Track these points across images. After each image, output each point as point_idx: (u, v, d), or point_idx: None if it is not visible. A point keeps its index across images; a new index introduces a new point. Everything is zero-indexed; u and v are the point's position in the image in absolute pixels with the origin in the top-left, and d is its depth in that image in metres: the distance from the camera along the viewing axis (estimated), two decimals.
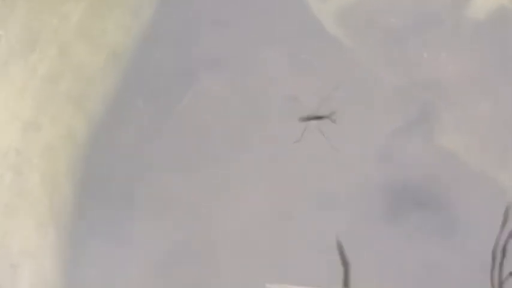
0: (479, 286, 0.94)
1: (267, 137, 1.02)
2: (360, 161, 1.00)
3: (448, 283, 0.95)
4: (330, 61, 1.02)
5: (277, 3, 1.05)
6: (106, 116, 1.03)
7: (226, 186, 1.02)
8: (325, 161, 1.00)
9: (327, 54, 1.02)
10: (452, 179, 0.97)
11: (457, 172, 0.97)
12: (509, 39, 1.01)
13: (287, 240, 1.00)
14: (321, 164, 1.00)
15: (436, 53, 1.02)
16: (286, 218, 1.00)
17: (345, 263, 0.96)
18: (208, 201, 1.01)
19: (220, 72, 1.04)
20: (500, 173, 0.97)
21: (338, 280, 0.97)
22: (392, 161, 0.99)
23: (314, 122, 1.01)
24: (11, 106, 1.00)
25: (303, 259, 0.98)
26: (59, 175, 1.01)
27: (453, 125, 1.00)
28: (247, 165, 1.02)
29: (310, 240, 0.98)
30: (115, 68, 1.05)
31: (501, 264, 0.92)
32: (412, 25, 1.03)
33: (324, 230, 0.98)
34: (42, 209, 1.00)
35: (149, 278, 0.99)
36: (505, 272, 0.93)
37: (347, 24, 1.04)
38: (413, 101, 1.01)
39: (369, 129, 1.00)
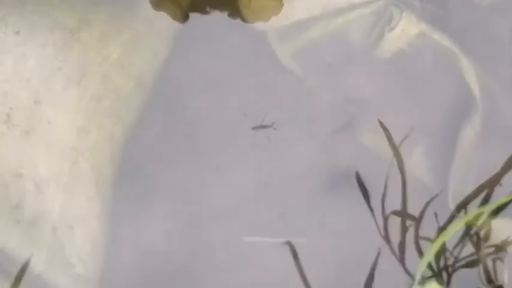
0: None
1: (248, 138, 1.16)
2: (307, 152, 1.15)
3: (368, 235, 1.11)
4: (285, 85, 1.16)
5: (247, 45, 1.18)
6: (135, 124, 1.16)
7: (219, 172, 1.15)
8: (284, 152, 1.15)
9: (285, 81, 1.16)
10: (369, 165, 1.13)
11: (373, 160, 1.14)
12: (407, 71, 1.17)
13: (257, 207, 1.13)
14: (282, 154, 1.15)
15: (357, 80, 1.16)
16: (261, 188, 1.14)
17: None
18: (206, 183, 1.15)
19: (213, 93, 1.18)
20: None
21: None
22: (329, 152, 1.15)
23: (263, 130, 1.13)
24: (68, 117, 1.11)
25: (269, 219, 1.13)
26: (103, 164, 1.13)
27: (370, 129, 1.15)
28: (229, 156, 1.16)
29: (272, 206, 1.13)
30: (141, 91, 1.17)
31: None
32: (341, 61, 1.17)
33: (285, 198, 1.13)
34: (91, 188, 1.12)
35: (165, 235, 1.13)
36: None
37: (298, 59, 1.16)
38: (343, 112, 1.16)
39: (313, 131, 1.15)
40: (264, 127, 1.13)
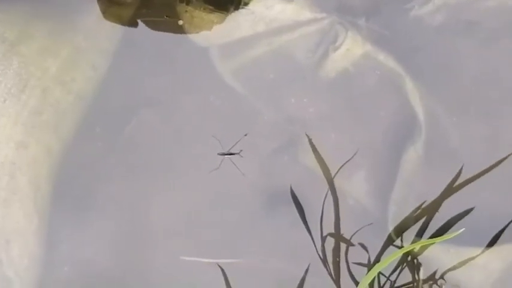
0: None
1: (189, 155, 1.16)
2: (248, 172, 1.15)
3: (306, 255, 1.12)
4: (226, 103, 1.17)
5: (193, 63, 1.18)
6: (73, 138, 1.16)
7: (160, 190, 1.15)
8: (225, 171, 1.15)
9: (226, 98, 1.17)
10: (309, 185, 1.14)
11: (312, 181, 1.14)
12: (350, 91, 1.17)
13: (198, 226, 1.14)
14: (222, 173, 1.14)
15: (301, 99, 1.17)
16: (203, 207, 1.14)
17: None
18: (145, 201, 1.15)
19: (155, 108, 1.18)
20: (341, 181, 1.14)
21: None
22: (269, 172, 1.15)
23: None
24: (7, 131, 1.11)
25: (209, 239, 1.13)
26: (41, 179, 1.14)
27: (311, 149, 1.15)
28: (171, 174, 1.16)
29: (216, 225, 1.14)
30: (81, 105, 1.17)
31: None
32: (284, 79, 1.17)
33: (224, 218, 1.14)
34: (29, 202, 1.13)
35: (102, 252, 1.13)
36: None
37: (240, 77, 1.17)
38: (285, 131, 1.16)
39: (254, 150, 1.15)
40: (231, 154, 1.13)
